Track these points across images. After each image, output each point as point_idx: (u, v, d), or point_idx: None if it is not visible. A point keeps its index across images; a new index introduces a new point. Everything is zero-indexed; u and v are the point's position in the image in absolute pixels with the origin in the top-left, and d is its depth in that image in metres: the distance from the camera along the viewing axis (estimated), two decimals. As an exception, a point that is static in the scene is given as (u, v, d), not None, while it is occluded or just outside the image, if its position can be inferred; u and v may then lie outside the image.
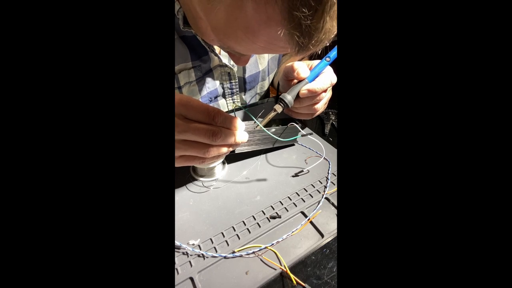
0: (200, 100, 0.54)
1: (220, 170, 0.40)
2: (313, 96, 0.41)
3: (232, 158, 0.42)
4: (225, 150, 0.32)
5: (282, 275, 0.28)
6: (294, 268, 0.29)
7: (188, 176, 0.39)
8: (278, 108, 0.39)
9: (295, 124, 0.42)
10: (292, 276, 0.27)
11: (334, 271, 0.29)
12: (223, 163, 0.41)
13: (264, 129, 0.38)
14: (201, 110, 0.30)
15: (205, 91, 0.53)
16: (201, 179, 0.39)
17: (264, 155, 0.44)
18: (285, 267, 0.28)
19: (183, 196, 0.36)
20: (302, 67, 0.41)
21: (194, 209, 0.35)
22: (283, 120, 0.46)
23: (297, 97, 0.40)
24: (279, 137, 0.42)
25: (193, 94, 0.52)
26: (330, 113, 0.54)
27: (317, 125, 0.53)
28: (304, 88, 0.40)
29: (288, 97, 0.39)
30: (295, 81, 0.42)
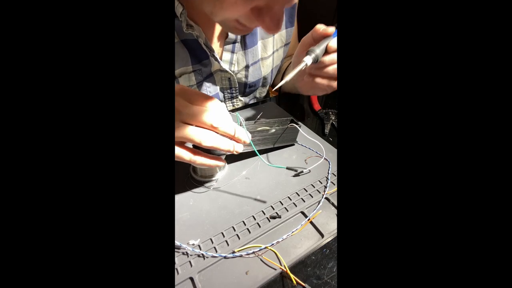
0: None
1: (220, 170, 0.40)
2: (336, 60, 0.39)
3: (232, 158, 0.42)
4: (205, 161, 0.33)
5: (282, 275, 0.28)
6: (294, 268, 0.29)
7: (188, 176, 0.39)
8: (308, 59, 0.36)
9: (295, 125, 0.42)
10: (292, 276, 0.27)
11: (334, 271, 0.29)
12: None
13: (256, 149, 0.38)
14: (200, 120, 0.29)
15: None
16: (201, 179, 0.39)
17: (264, 155, 0.44)
18: (285, 267, 0.28)
19: (183, 196, 0.36)
20: (325, 27, 0.39)
21: (194, 209, 0.35)
22: (283, 120, 0.45)
23: (324, 54, 0.38)
24: (277, 139, 0.42)
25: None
26: (330, 113, 0.54)
27: (317, 125, 0.53)
28: (332, 42, 0.37)
29: (317, 51, 0.37)
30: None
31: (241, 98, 0.61)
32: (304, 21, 0.65)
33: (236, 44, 0.51)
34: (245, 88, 0.59)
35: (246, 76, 0.57)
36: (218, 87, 0.55)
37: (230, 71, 0.52)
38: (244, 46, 0.53)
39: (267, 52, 0.57)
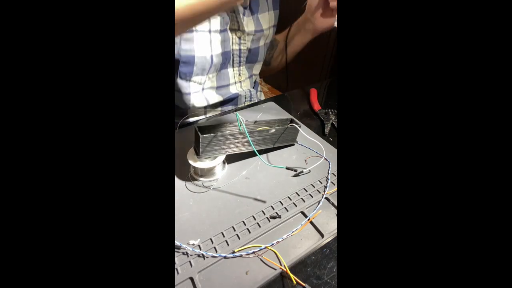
0: (212, 56, 0.55)
1: (220, 170, 0.40)
2: None
3: (232, 158, 0.42)
4: None
5: (282, 275, 0.28)
6: (294, 268, 0.29)
7: (188, 176, 0.39)
8: None
9: (295, 125, 0.42)
10: (292, 276, 0.27)
11: (334, 271, 0.29)
12: (223, 163, 0.41)
13: (256, 149, 0.38)
14: None
15: (222, 47, 0.55)
16: (201, 179, 0.39)
17: (264, 155, 0.44)
18: (285, 267, 0.28)
19: (183, 196, 0.36)
20: None
21: (194, 209, 0.35)
22: (283, 120, 0.46)
23: None
24: (277, 139, 0.42)
25: (220, 40, 0.54)
26: (330, 113, 0.54)
27: (317, 125, 0.53)
28: None
29: None
30: None
31: (245, 71, 0.63)
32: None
33: (246, 10, 0.55)
34: (249, 54, 0.61)
35: (253, 40, 0.59)
36: (230, 44, 0.56)
37: (243, 29, 0.55)
38: (251, 12, 0.57)
39: (264, 26, 0.61)
